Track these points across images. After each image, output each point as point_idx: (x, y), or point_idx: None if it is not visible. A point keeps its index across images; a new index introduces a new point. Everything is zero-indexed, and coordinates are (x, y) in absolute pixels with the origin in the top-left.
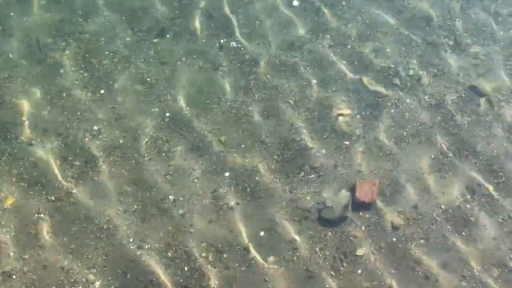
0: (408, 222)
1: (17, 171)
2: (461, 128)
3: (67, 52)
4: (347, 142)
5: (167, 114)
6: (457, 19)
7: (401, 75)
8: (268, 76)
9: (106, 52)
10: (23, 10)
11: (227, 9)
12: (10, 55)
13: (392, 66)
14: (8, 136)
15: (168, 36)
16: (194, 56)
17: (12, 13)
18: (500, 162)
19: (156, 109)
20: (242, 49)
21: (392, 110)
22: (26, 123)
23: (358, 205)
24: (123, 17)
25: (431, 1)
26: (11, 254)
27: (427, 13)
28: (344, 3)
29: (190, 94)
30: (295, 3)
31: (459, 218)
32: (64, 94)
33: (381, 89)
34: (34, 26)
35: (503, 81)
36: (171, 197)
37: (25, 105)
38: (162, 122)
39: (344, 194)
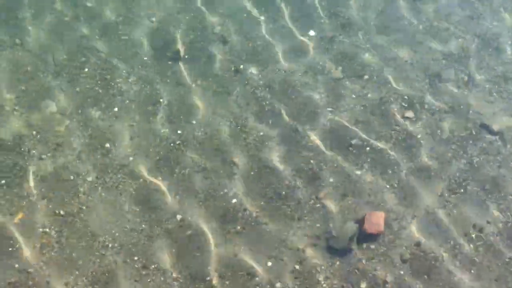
0: (414, 257)
1: (29, 184)
2: (471, 165)
3: (85, 69)
4: (358, 172)
5: (179, 132)
6: (473, 56)
7: (415, 108)
8: (282, 103)
9: (125, 70)
10: (42, 25)
11: (243, 36)
12: (28, 68)
13: (406, 98)
14: (22, 149)
15: (186, 57)
16: (210, 79)
17: (30, 28)
18: (509, 200)
19: (167, 130)
20: (256, 74)
21: (403, 143)
22: (38, 137)
23: (366, 237)
24: (142, 38)
25: (448, 36)
26: (16, 265)
27: (443, 47)
28: (360, 34)
29: (203, 116)
30: (312, 32)
31: (466, 255)
32: (79, 111)
33: (393, 121)
34: (54, 42)
35: None
36: (178, 217)
37: (39, 119)
38: (172, 144)
39: (351, 225)
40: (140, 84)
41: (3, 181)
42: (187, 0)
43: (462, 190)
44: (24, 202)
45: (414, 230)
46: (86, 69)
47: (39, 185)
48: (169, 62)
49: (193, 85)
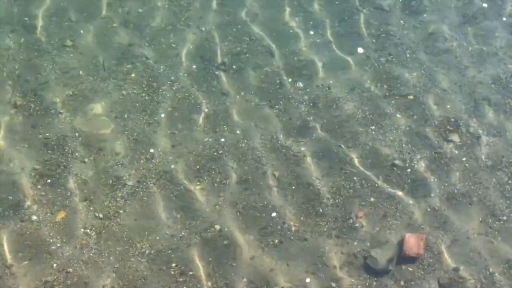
0: (451, 282)
1: (71, 185)
2: None
3: (132, 75)
4: (400, 193)
5: (221, 141)
6: None
7: (460, 132)
8: (325, 119)
9: (172, 78)
10: (95, 29)
11: (288, 49)
12: (81, 72)
13: (452, 121)
14: (66, 150)
15: (232, 68)
16: (253, 92)
17: (82, 31)
18: None
19: (209, 139)
20: (301, 89)
21: (446, 166)
22: (80, 139)
23: (405, 259)
24: (190, 47)
25: (497, 62)
26: (55, 265)
27: (493, 72)
28: (408, 54)
29: (245, 128)
30: (360, 50)
31: (505, 284)
32: (125, 115)
33: (437, 143)
34: (104, 46)
35: None
36: (217, 227)
37: (83, 122)
38: (214, 153)
39: (390, 246)
40: (185, 93)
41: (48, 180)
42: (235, 12)
43: (504, 218)
44: (67, 202)
45: (453, 255)
46: (133, 75)
47: (81, 187)
48: (216, 72)
49: (237, 96)
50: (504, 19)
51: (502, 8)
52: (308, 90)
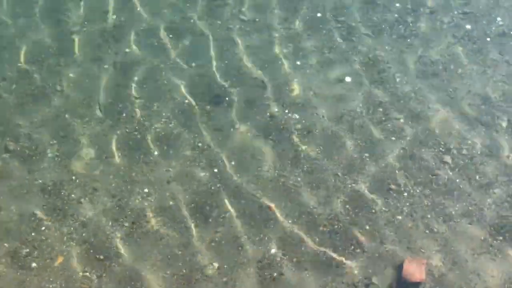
0: None
1: (67, 229)
2: None
3: (123, 114)
4: (398, 217)
5: (217, 177)
6: None
7: (453, 153)
8: (319, 148)
9: (164, 114)
10: (84, 72)
11: (281, 79)
12: (67, 116)
13: (443, 143)
14: (62, 193)
15: (224, 103)
16: (248, 124)
17: (71, 75)
18: None
19: (207, 174)
20: (293, 119)
21: (443, 188)
22: (77, 181)
23: (406, 285)
24: (183, 82)
25: (486, 81)
26: None
27: (482, 92)
28: (398, 79)
29: (241, 161)
30: (348, 79)
31: None
32: (119, 154)
33: (432, 165)
34: (95, 88)
35: None
36: (215, 264)
37: (78, 164)
38: (212, 188)
39: (390, 272)
40: (179, 129)
41: (43, 228)
42: (226, 45)
43: (502, 238)
44: (64, 247)
45: (455, 276)
46: (124, 114)
47: (79, 230)
48: (208, 107)
49: (231, 130)
50: (488, 39)
51: (487, 29)
52: (300, 119)
